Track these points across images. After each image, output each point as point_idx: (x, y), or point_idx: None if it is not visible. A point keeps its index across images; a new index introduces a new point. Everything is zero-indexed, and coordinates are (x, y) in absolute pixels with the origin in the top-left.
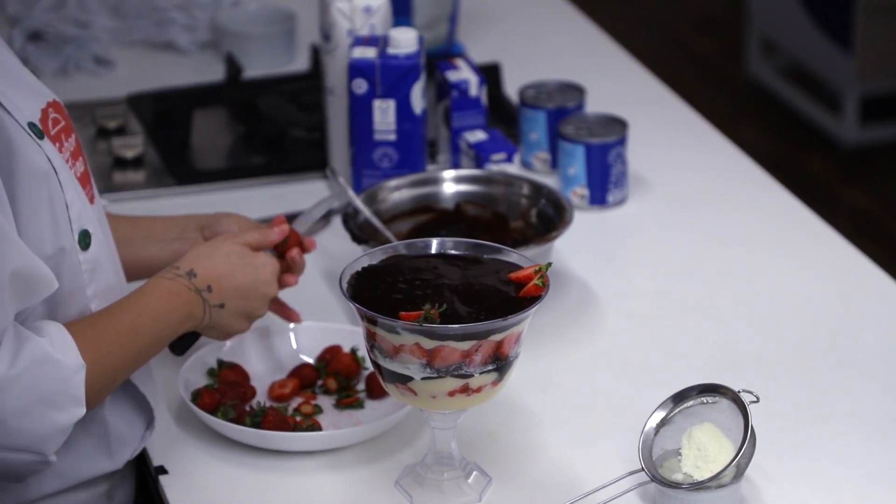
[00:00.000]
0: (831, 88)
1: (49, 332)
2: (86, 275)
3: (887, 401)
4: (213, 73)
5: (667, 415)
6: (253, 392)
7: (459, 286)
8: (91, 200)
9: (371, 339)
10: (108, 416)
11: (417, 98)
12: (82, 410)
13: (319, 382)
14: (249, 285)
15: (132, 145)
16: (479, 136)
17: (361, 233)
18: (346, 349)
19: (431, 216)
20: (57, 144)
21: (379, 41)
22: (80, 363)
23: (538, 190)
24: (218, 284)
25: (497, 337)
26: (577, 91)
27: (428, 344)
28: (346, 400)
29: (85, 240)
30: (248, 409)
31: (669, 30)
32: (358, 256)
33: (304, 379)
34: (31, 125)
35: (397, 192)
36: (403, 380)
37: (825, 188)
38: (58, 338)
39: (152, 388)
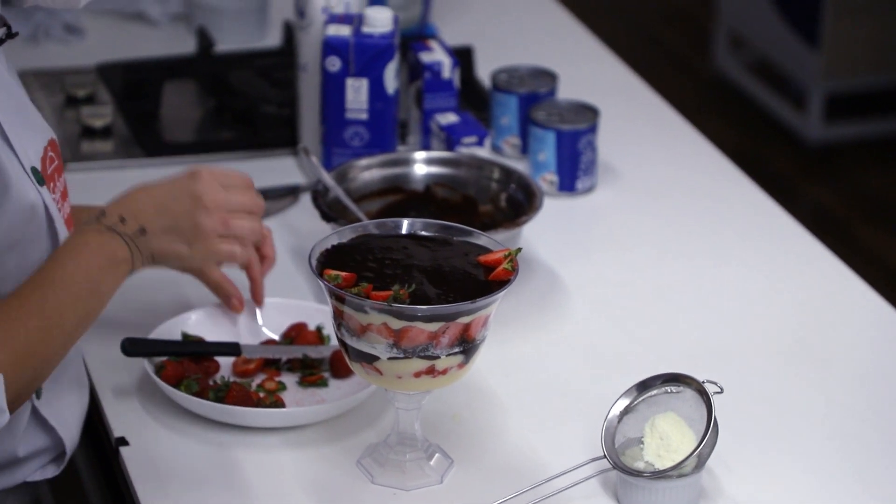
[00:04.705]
0: (797, 85)
1: None
2: None
3: (848, 395)
4: (184, 45)
5: (630, 403)
6: (217, 367)
7: (429, 267)
8: None
9: (338, 317)
10: (18, 440)
11: (390, 78)
12: (5, 417)
13: (284, 360)
14: (167, 195)
15: (101, 115)
16: (450, 118)
17: (331, 211)
18: (312, 327)
19: (401, 197)
20: (51, 185)
21: (354, 19)
22: None
23: (509, 174)
24: (130, 211)
25: (465, 319)
26: (549, 77)
27: (395, 324)
28: (310, 378)
29: None
30: (211, 383)
31: (637, 20)
32: (327, 234)
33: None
34: (34, 170)
35: (367, 171)
36: (370, 359)
37: (788, 184)
38: None
39: (69, 426)
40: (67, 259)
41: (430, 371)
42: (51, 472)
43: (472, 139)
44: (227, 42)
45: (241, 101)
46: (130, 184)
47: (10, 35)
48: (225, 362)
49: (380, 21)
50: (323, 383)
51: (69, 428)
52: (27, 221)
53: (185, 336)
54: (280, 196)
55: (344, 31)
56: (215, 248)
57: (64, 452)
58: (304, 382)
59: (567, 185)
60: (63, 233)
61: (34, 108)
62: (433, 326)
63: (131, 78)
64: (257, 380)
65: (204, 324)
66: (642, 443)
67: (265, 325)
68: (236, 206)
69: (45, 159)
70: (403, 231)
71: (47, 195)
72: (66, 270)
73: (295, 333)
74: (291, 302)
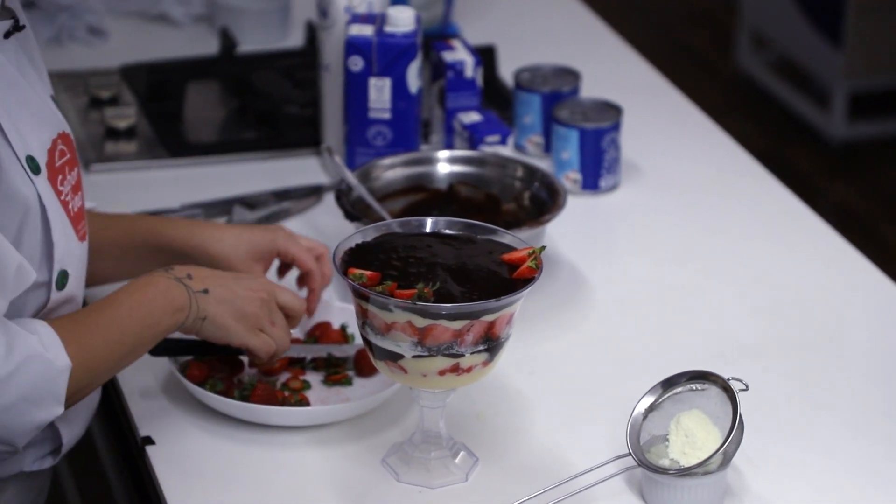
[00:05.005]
0: (820, 83)
1: (38, 331)
2: (45, 312)
3: (874, 392)
4: (207, 46)
5: (655, 400)
6: (242, 366)
7: (453, 266)
8: (82, 238)
9: (363, 315)
10: None
11: (413, 77)
12: (61, 409)
13: (309, 359)
14: (231, 277)
15: (125, 116)
16: (473, 117)
17: (354, 210)
18: (336, 325)
19: (424, 196)
20: (60, 177)
21: (376, 19)
22: (67, 363)
23: (532, 173)
24: (198, 274)
25: (489, 317)
26: (572, 75)
27: (420, 322)
28: (335, 376)
29: (62, 280)
30: (236, 382)
31: (660, 21)
32: (351, 233)
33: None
34: (30, 159)
35: (391, 170)
36: (394, 357)
37: (811, 183)
38: (46, 336)
39: (72, 422)
40: (136, 290)
41: (455, 369)
42: (48, 462)
43: (495, 138)
44: (250, 43)
45: (263, 102)
46: (155, 185)
47: (18, 28)
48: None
49: (402, 20)
50: (347, 382)
51: (71, 424)
52: (16, 209)
53: None
54: (303, 196)
55: (366, 30)
56: (252, 336)
57: (61, 445)
58: (329, 381)
59: (590, 183)
60: (59, 223)
61: (47, 102)
62: (457, 324)
63: (155, 79)
64: (282, 379)
65: None
66: (667, 440)
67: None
68: (278, 318)
69: (52, 151)
70: (427, 229)
71: (43, 185)
72: (132, 298)
73: (319, 332)
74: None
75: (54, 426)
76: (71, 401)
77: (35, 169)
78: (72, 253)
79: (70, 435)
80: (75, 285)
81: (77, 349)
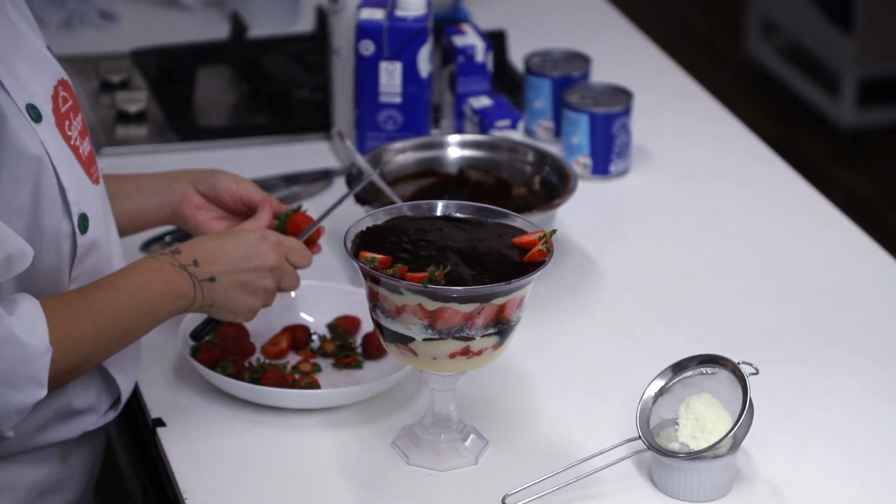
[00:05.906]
0: (830, 70)
1: (20, 310)
2: (78, 258)
3: (884, 377)
4: (218, 31)
5: (665, 384)
6: (252, 348)
7: (464, 249)
8: (96, 181)
9: (374, 298)
10: (70, 391)
11: (424, 61)
12: (43, 392)
13: (317, 346)
14: (241, 255)
15: (136, 100)
16: (483, 101)
17: (365, 194)
18: (353, 313)
19: (434, 180)
20: (67, 123)
21: (387, 3)
22: (47, 346)
23: (542, 157)
24: (204, 258)
25: (500, 301)
26: (582, 60)
27: (430, 305)
28: (345, 359)
29: (83, 223)
30: (247, 364)
31: (670, 7)
32: (362, 217)
33: (295, 332)
34: (30, 107)
35: (402, 154)
36: (405, 340)
37: (821, 170)
38: (28, 317)
39: (125, 370)
40: (137, 274)
41: (465, 352)
42: (111, 416)
43: (506, 122)
44: (261, 27)
45: (274, 86)
46: (165, 168)
47: None
48: (260, 345)
49: (413, 4)
50: (357, 365)
51: (127, 374)
52: (30, 163)
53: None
54: (314, 180)
55: (377, 14)
56: (254, 310)
57: (119, 399)
58: (339, 364)
59: (601, 168)
60: (68, 168)
61: (43, 49)
62: (468, 307)
63: (165, 63)
64: (292, 361)
65: None
66: (677, 424)
67: (300, 308)
68: (287, 279)
69: (56, 97)
70: (438, 213)
71: (47, 132)
72: (133, 283)
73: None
74: (324, 284)
75: (111, 378)
76: (58, 382)
77: (36, 117)
78: (87, 196)
79: (128, 387)
80: (98, 229)
81: (62, 332)
